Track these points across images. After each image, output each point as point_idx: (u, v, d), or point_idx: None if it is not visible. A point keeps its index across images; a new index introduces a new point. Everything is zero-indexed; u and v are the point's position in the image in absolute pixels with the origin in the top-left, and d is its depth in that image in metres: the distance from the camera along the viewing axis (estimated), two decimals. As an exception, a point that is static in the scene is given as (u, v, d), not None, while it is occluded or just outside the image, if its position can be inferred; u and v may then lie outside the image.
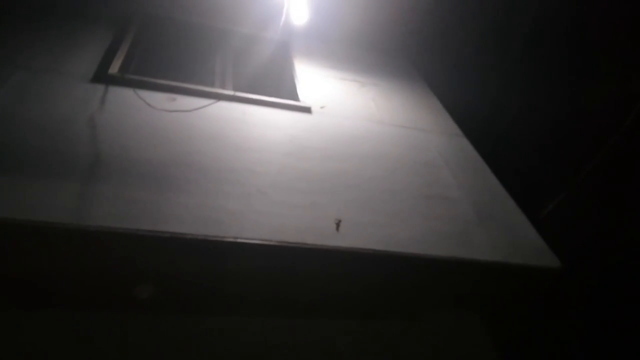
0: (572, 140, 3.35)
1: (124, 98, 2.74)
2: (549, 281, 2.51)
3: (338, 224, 2.32)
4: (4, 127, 2.28)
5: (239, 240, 2.04)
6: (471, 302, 2.64)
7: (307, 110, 3.27)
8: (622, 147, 2.89)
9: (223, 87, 3.31)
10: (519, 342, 2.76)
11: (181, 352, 2.11)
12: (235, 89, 3.30)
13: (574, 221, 3.05)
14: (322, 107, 3.37)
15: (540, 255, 2.55)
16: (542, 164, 3.59)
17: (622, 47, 3.19)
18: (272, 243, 2.08)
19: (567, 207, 3.10)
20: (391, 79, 4.29)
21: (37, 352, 1.95)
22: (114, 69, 2.94)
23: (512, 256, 2.49)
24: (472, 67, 4.70)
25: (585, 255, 2.84)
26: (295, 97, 3.46)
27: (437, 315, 2.59)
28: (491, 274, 2.47)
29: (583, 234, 2.96)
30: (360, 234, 2.31)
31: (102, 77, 2.86)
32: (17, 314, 2.02)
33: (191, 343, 2.15)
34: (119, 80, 2.84)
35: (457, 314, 2.63)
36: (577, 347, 2.76)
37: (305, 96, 3.46)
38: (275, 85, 3.76)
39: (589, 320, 2.80)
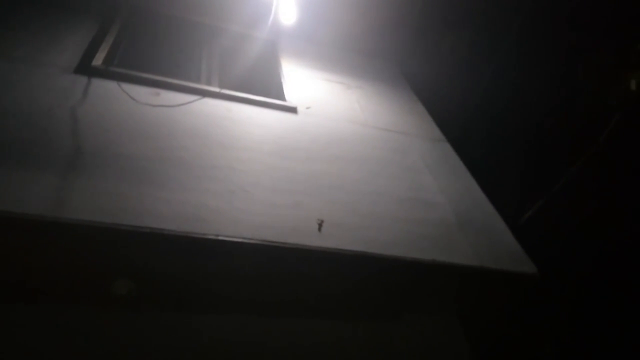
0: (551, 148, 3.43)
1: (107, 91, 2.70)
2: (525, 287, 2.55)
3: (320, 225, 2.33)
4: (-20, 115, 2.22)
5: (220, 237, 2.03)
6: (450, 305, 2.67)
7: (292, 110, 3.27)
8: (599, 156, 2.97)
9: (209, 84, 3.29)
10: (496, 346, 2.81)
11: (160, 349, 2.08)
12: (221, 86, 3.28)
13: (551, 228, 3.11)
14: (307, 108, 3.38)
15: (517, 261, 2.60)
16: (522, 170, 3.66)
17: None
18: (253, 241, 2.07)
19: (545, 214, 3.17)
20: (376, 82, 4.32)
21: (11, 346, 1.90)
22: (98, 61, 2.90)
23: (491, 261, 2.53)
24: (457, 73, 4.76)
25: (563, 261, 2.90)
26: (281, 96, 3.46)
27: (416, 317, 2.61)
28: (470, 278, 2.51)
29: (560, 240, 3.03)
30: (342, 235, 2.32)
31: (85, 69, 2.81)
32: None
33: (170, 340, 2.12)
34: (103, 73, 2.80)
35: (436, 316, 2.66)
36: (552, 351, 2.82)
37: (291, 96, 3.46)
38: (262, 84, 3.75)
39: (565, 324, 2.87)
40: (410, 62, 4.86)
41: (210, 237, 2.02)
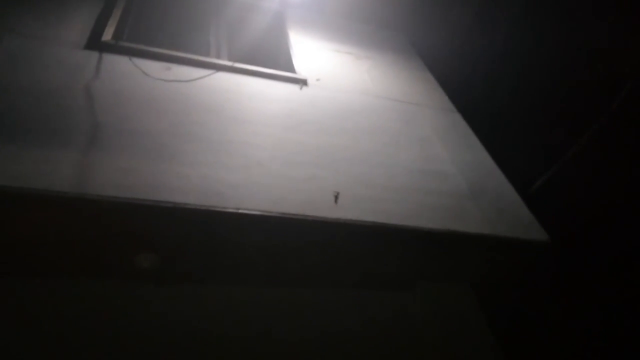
0: (563, 117, 3.42)
1: (119, 66, 2.70)
2: (537, 254, 2.60)
3: (336, 197, 2.36)
4: (-5, 93, 2.23)
5: (240, 211, 2.07)
6: (464, 274, 2.73)
7: (303, 82, 3.25)
8: (610, 126, 2.96)
9: (218, 57, 3.27)
10: (510, 313, 2.88)
11: (181, 321, 2.15)
12: (231, 58, 3.26)
13: (562, 196, 3.14)
14: (317, 80, 3.36)
15: (529, 229, 2.64)
16: (534, 139, 3.66)
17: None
18: (273, 214, 2.11)
19: (557, 183, 3.19)
20: (385, 52, 4.28)
21: (37, 319, 1.97)
22: (108, 35, 2.87)
23: (503, 229, 2.57)
24: (467, 41, 4.70)
25: (573, 229, 2.94)
26: (290, 68, 3.44)
27: (430, 286, 2.67)
28: (483, 246, 2.55)
29: (571, 208, 3.06)
30: (358, 207, 2.35)
31: (95, 44, 2.79)
32: (17, 282, 2.03)
33: (191, 312, 2.20)
34: (113, 48, 2.79)
35: (450, 285, 2.72)
36: (562, 317, 2.89)
37: (300, 68, 3.44)
38: (270, 56, 3.72)
39: (575, 292, 2.93)
40: (419, 32, 4.78)
41: (230, 210, 2.06)
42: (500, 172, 3.06)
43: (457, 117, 3.57)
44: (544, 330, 3.00)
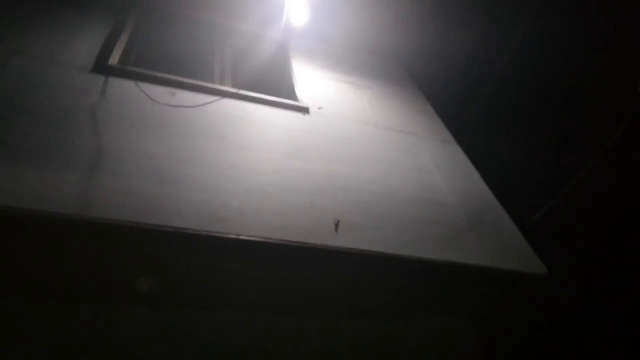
0: (562, 148, 3.47)
1: (125, 90, 2.73)
2: (536, 287, 2.60)
3: (337, 225, 2.37)
4: (3, 115, 2.24)
5: (241, 237, 2.07)
6: (461, 306, 2.72)
7: (305, 110, 3.30)
8: (608, 160, 3.01)
9: (222, 84, 3.32)
10: (507, 346, 2.86)
11: (179, 346, 2.12)
12: (235, 86, 3.31)
13: (560, 230, 3.16)
14: (319, 108, 3.41)
15: (528, 262, 2.64)
16: (532, 171, 3.70)
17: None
18: (273, 241, 2.11)
19: (555, 216, 3.21)
20: (385, 82, 4.35)
21: (35, 343, 1.94)
22: (114, 60, 2.92)
23: (502, 262, 2.58)
24: (466, 71, 4.80)
25: (572, 262, 2.95)
26: (293, 96, 3.49)
27: (428, 317, 2.66)
28: (482, 279, 2.55)
29: (569, 242, 3.07)
30: (358, 236, 2.36)
31: (102, 68, 2.83)
32: (17, 304, 2.01)
33: (189, 338, 2.17)
34: (120, 72, 2.83)
35: (448, 317, 2.71)
36: (560, 351, 2.87)
37: (303, 96, 3.50)
38: (273, 84, 3.78)
39: (574, 325, 2.91)
40: (419, 61, 4.89)
41: (231, 237, 2.06)
42: (499, 204, 3.09)
43: (456, 149, 3.62)
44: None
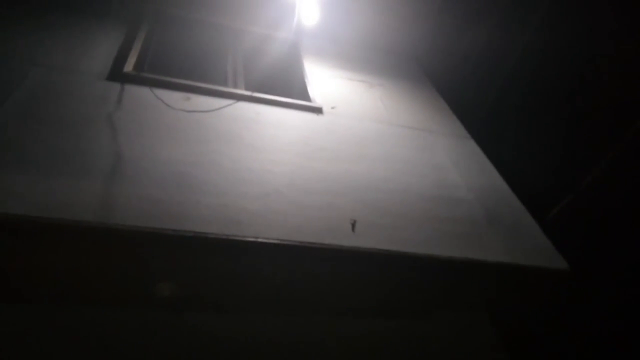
0: (578, 142, 3.42)
1: (141, 97, 2.77)
2: (557, 283, 2.57)
3: (353, 225, 2.37)
4: (23, 125, 2.29)
5: (259, 240, 2.09)
6: (481, 303, 2.70)
7: (318, 110, 3.31)
8: (626, 152, 2.96)
9: (235, 87, 3.34)
10: (528, 343, 2.83)
11: (201, 349, 2.15)
12: (247, 88, 3.33)
13: (580, 224, 3.11)
14: (332, 108, 3.42)
15: (548, 258, 2.61)
16: (549, 166, 3.65)
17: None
18: (291, 243, 2.12)
19: (573, 210, 3.17)
20: (398, 80, 4.33)
21: (57, 348, 1.99)
22: (129, 67, 2.96)
23: (521, 258, 2.56)
24: (480, 65, 4.75)
25: (592, 257, 2.90)
26: (305, 97, 3.50)
27: (447, 315, 2.64)
28: (501, 276, 2.53)
29: (589, 236, 3.03)
30: (375, 235, 2.36)
31: (117, 75, 2.88)
32: (40, 310, 2.05)
33: (210, 340, 2.19)
34: (135, 79, 2.87)
35: (467, 314, 2.69)
36: (582, 349, 2.83)
37: (315, 96, 3.50)
38: (286, 85, 3.79)
39: (594, 322, 2.87)
40: (431, 57, 4.85)
41: (249, 239, 2.08)
42: (517, 199, 3.06)
43: (471, 144, 3.59)
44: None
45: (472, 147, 3.56)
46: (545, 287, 2.64)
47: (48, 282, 2.05)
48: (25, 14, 3.29)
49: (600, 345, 2.79)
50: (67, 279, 2.05)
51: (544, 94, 4.00)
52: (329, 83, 3.82)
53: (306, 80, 3.73)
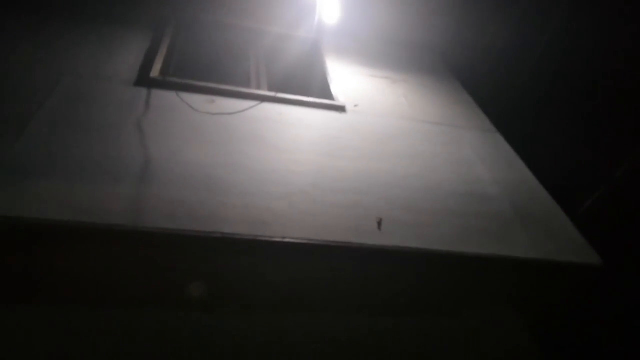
0: (610, 134, 3.32)
1: (167, 101, 2.82)
2: (590, 279, 2.51)
3: (379, 223, 2.37)
4: (56, 132, 2.37)
5: (286, 240, 2.11)
6: (511, 300, 2.65)
7: (341, 109, 3.31)
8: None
9: (258, 88, 3.37)
10: (559, 339, 2.77)
11: (231, 349, 2.18)
12: (270, 88, 3.36)
13: (613, 216, 3.02)
14: (355, 106, 3.41)
15: (581, 253, 2.55)
16: (579, 159, 3.55)
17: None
18: (319, 243, 2.13)
19: (606, 203, 3.08)
20: (421, 74, 4.29)
21: (89, 347, 2.05)
22: (155, 72, 3.02)
23: (553, 253, 2.50)
24: (505, 57, 4.65)
25: (627, 251, 2.82)
26: (329, 95, 3.50)
27: (476, 312, 2.61)
28: (532, 272, 2.49)
29: (623, 229, 2.94)
30: (402, 233, 2.35)
31: (144, 80, 2.94)
32: (75, 312, 2.12)
33: (241, 340, 2.22)
34: (161, 84, 2.93)
35: (496, 311, 2.65)
36: (617, 346, 2.75)
37: (338, 94, 3.50)
38: (308, 84, 3.81)
39: (627, 316, 2.79)
40: (454, 51, 4.78)
41: (276, 239, 2.10)
42: (547, 192, 2.99)
43: (498, 138, 3.53)
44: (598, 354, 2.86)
45: (499, 141, 3.50)
46: (578, 282, 2.58)
47: (79, 284, 2.12)
48: (54, 28, 3.38)
49: (633, 340, 2.71)
50: (100, 282, 2.12)
51: (569, 88, 3.90)
52: (351, 81, 3.81)
53: (328, 78, 3.73)
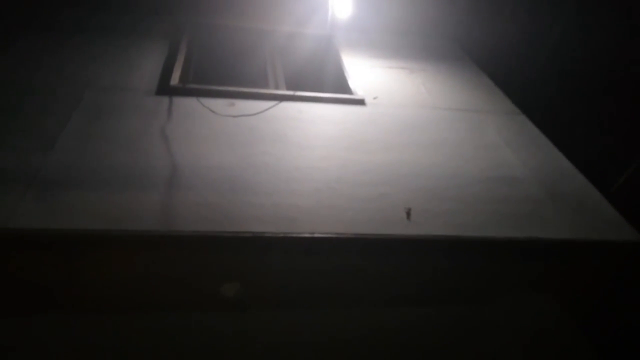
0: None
1: (188, 107, 2.86)
2: (630, 256, 2.43)
3: (408, 213, 2.35)
4: (84, 145, 2.43)
5: (315, 235, 2.11)
6: (549, 284, 2.59)
7: (360, 102, 3.29)
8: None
9: (277, 88, 3.39)
10: (600, 322, 2.69)
11: (265, 345, 2.19)
12: (288, 87, 3.37)
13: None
14: (374, 98, 3.39)
15: (618, 230, 2.48)
16: (610, 135, 3.45)
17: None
18: (348, 236, 2.13)
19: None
20: (438, 62, 4.23)
21: (132, 352, 2.09)
22: (175, 80, 3.06)
23: (588, 232, 2.44)
24: (523, 39, 4.55)
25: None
26: (347, 90, 3.49)
27: (513, 298, 2.56)
28: (569, 253, 2.43)
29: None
30: (432, 222, 2.33)
31: (165, 89, 2.99)
32: (109, 318, 2.16)
33: (274, 336, 2.23)
34: (181, 91, 2.97)
35: (534, 297, 2.60)
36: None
37: (356, 88, 3.49)
38: (325, 80, 3.81)
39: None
40: (470, 37, 4.71)
41: (306, 235, 2.11)
42: (578, 171, 2.92)
43: (523, 119, 3.45)
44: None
45: (524, 123, 3.42)
46: (616, 260, 2.51)
47: (117, 291, 2.16)
48: (72, 41, 3.46)
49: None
50: (135, 287, 2.15)
51: (583, 79, 3.79)
52: (368, 74, 3.79)
53: (345, 73, 3.72)
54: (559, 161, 3.02)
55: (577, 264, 2.55)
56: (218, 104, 2.93)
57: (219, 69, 3.73)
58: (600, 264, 2.52)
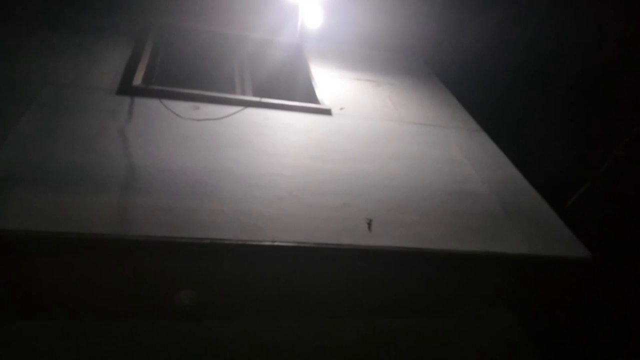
0: (594, 129, 3.36)
1: (150, 109, 2.79)
2: (580, 272, 2.53)
3: (369, 224, 2.35)
4: (38, 142, 2.32)
5: (276, 243, 2.08)
6: (502, 297, 2.66)
7: (327, 112, 3.30)
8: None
9: (243, 93, 3.35)
10: (551, 334, 2.78)
11: (221, 356, 2.15)
12: (255, 94, 3.34)
13: (599, 210, 3.06)
14: (341, 109, 3.41)
15: (570, 247, 2.57)
16: (565, 156, 3.59)
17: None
18: (309, 245, 2.11)
19: (592, 197, 3.12)
20: (405, 77, 4.32)
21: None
22: (138, 80, 2.98)
23: (543, 248, 2.52)
24: (486, 56, 4.70)
25: (613, 244, 2.85)
26: (314, 99, 3.50)
27: (469, 311, 2.61)
28: (523, 268, 2.49)
29: (610, 223, 2.97)
30: (392, 233, 2.34)
31: (127, 89, 2.90)
32: (57, 324, 2.07)
33: (232, 346, 2.19)
34: (144, 92, 2.89)
35: (488, 309, 2.66)
36: (609, 339, 2.77)
37: (323, 98, 3.50)
38: (293, 89, 3.80)
39: (618, 310, 2.81)
40: (437, 53, 4.83)
41: (266, 243, 2.07)
42: (534, 189, 3.02)
43: (484, 136, 3.56)
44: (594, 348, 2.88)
45: (484, 140, 3.53)
46: (568, 276, 2.60)
47: (67, 296, 2.07)
48: (36, 37, 3.33)
49: (624, 332, 2.73)
50: (86, 293, 2.07)
51: (553, 85, 3.95)
52: (336, 84, 3.81)
53: (313, 83, 3.73)
54: (516, 179, 3.12)
55: (533, 280, 2.63)
56: (182, 107, 2.86)
57: (185, 72, 3.67)
58: (551, 279, 2.60)
